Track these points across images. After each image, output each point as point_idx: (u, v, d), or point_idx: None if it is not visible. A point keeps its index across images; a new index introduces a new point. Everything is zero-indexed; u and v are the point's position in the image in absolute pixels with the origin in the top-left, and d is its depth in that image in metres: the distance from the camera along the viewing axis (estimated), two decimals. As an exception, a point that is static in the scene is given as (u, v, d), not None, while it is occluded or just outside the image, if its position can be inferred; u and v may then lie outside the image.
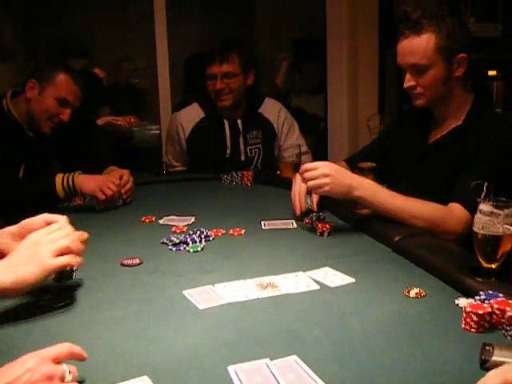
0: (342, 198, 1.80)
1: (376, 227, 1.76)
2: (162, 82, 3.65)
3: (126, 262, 1.58)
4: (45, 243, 1.23)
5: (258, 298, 1.31)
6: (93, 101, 4.13)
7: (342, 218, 1.93)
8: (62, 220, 1.32)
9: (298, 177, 1.93)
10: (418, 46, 1.88)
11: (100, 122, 4.68)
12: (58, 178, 2.14)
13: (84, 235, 1.34)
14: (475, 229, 1.31)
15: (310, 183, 1.78)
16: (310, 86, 4.78)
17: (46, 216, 1.33)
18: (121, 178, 2.25)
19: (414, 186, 2.00)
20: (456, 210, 1.76)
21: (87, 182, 2.14)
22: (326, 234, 1.78)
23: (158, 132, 4.13)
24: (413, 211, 1.75)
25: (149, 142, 4.57)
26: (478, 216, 1.30)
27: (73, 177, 2.14)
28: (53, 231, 1.27)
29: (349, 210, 1.92)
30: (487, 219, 1.28)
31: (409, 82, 1.94)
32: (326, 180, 1.75)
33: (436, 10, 3.70)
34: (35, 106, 2.33)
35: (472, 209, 1.69)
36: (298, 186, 1.94)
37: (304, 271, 1.46)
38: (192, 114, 2.86)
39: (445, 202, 1.81)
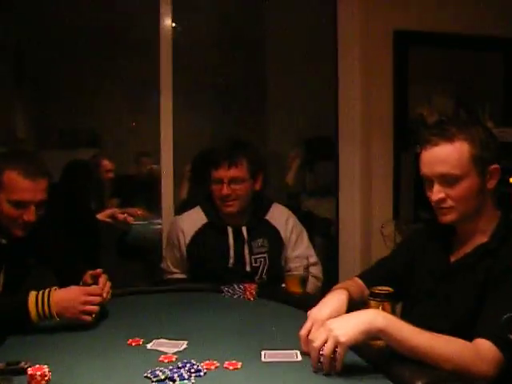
0: (364, 339, 1.53)
1: (394, 367, 1.51)
2: (166, 180, 3.51)
3: (98, 405, 1.35)
4: None
5: None
6: (84, 192, 4.01)
7: (353, 350, 1.69)
8: None
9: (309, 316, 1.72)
10: (451, 154, 1.70)
11: (102, 214, 4.55)
12: (32, 298, 1.87)
13: None
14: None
15: (323, 353, 1.52)
16: (322, 186, 4.64)
17: None
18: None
19: (434, 309, 1.79)
20: (485, 348, 1.52)
21: (65, 309, 1.88)
22: (333, 372, 1.54)
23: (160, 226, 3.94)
24: (441, 351, 1.50)
25: (152, 239, 4.39)
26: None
27: (49, 300, 1.87)
28: None
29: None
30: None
31: (439, 193, 1.74)
32: (333, 333, 1.50)
33: (457, 116, 3.60)
34: None
35: (504, 346, 1.49)
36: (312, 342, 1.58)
37: (308, 429, 1.22)
38: (194, 219, 2.68)
39: (468, 329, 1.58)
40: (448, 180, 1.71)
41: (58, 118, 5.95)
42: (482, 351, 1.52)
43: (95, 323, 1.95)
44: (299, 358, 1.65)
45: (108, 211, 4.68)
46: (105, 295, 2.04)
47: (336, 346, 1.50)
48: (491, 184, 1.74)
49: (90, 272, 2.12)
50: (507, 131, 3.56)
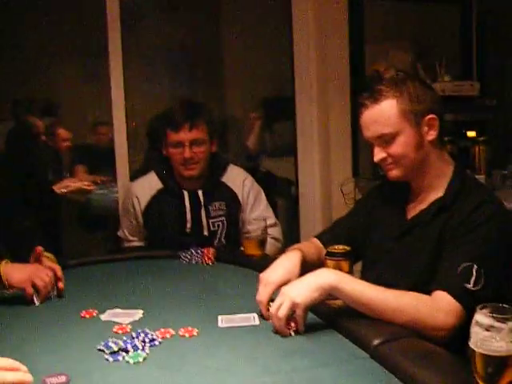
0: (320, 297, 1.52)
1: (351, 326, 1.50)
2: (119, 144, 3.40)
3: (48, 381, 1.29)
4: None
5: None
6: (34, 161, 3.89)
7: (311, 311, 1.66)
8: None
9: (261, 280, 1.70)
10: (380, 114, 1.72)
11: (59, 186, 4.45)
12: None
13: None
14: (471, 345, 1.05)
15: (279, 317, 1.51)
16: (282, 146, 4.59)
17: None
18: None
19: (393, 267, 1.78)
20: (442, 299, 1.52)
21: (14, 273, 1.83)
22: (292, 333, 1.52)
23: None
24: (395, 304, 1.50)
25: (112, 208, 4.31)
26: (474, 330, 1.05)
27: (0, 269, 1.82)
28: None
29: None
30: (486, 334, 1.03)
31: (378, 154, 1.76)
32: (289, 296, 1.50)
33: (409, 69, 3.57)
34: None
35: (461, 296, 1.50)
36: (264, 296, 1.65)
37: (264, 394, 1.19)
38: (148, 185, 2.61)
39: (427, 285, 1.58)
40: (384, 139, 1.73)
41: (10, 87, 5.76)
42: (439, 302, 1.52)
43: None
44: (257, 321, 1.63)
45: (66, 182, 4.58)
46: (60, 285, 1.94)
47: (293, 309, 1.49)
48: (431, 135, 1.73)
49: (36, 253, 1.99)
50: (463, 85, 3.57)
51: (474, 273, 1.53)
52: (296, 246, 1.97)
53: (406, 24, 3.83)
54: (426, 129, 1.72)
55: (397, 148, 1.72)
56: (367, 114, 1.74)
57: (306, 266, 1.77)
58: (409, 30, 3.85)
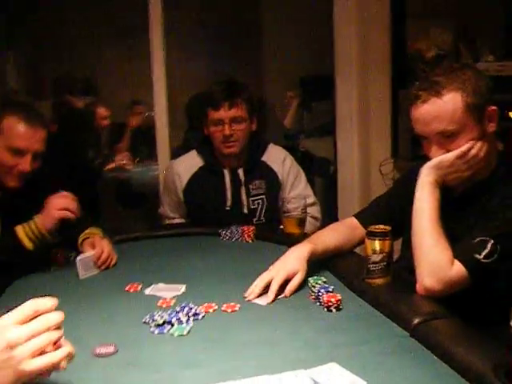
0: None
1: (391, 304, 1.51)
2: (160, 123, 3.46)
3: (98, 350, 1.35)
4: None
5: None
6: (81, 142, 3.97)
7: (351, 289, 1.69)
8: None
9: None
10: (443, 109, 1.59)
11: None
12: (19, 229, 1.95)
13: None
14: (513, 325, 1.06)
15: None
16: (320, 126, 4.57)
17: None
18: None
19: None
20: (455, 266, 1.55)
21: (43, 217, 1.96)
22: (333, 310, 1.55)
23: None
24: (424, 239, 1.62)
25: (152, 185, 4.38)
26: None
27: (34, 222, 1.95)
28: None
29: (359, 280, 1.69)
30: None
31: (437, 152, 1.64)
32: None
33: (450, 48, 3.51)
34: None
35: (470, 264, 1.53)
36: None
37: (306, 368, 1.21)
38: (190, 163, 2.65)
39: None
40: (446, 136, 1.62)
41: (50, 66, 5.85)
42: (452, 267, 1.55)
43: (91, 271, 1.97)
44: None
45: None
46: (109, 262, 2.04)
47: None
48: (492, 127, 1.65)
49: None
50: (507, 65, 3.49)
51: (489, 247, 1.52)
52: (322, 231, 2.02)
53: (448, 1, 3.75)
54: (487, 122, 1.64)
55: (459, 145, 1.61)
56: (426, 108, 1.61)
57: (326, 254, 1.89)
58: (450, 5, 3.77)
